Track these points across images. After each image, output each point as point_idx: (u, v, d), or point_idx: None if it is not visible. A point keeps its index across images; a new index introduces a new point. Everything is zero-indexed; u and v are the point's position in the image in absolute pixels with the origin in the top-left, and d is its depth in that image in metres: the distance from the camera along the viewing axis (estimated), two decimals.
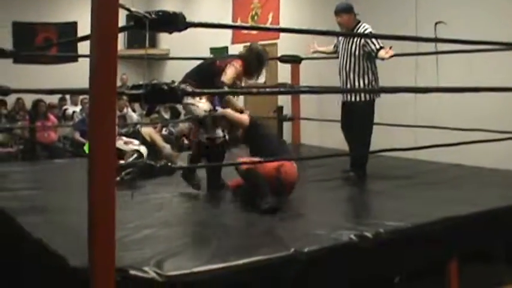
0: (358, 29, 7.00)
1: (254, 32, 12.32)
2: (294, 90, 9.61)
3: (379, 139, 8.30)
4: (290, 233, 4.26)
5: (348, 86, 7.04)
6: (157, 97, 3.52)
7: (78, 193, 5.16)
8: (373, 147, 6.92)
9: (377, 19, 9.56)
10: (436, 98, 8.41)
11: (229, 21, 13.47)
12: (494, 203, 5.30)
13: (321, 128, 10.76)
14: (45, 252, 3.90)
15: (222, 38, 13.64)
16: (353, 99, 7.02)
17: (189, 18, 3.61)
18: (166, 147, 7.88)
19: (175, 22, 3.50)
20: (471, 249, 4.86)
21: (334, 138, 10.15)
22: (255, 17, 12.73)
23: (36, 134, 11.85)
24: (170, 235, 4.30)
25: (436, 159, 7.75)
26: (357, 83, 6.94)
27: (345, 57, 7.01)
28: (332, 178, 6.89)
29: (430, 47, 8.37)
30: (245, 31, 13.09)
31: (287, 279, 3.71)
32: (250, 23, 13.04)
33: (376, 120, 7.04)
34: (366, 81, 6.92)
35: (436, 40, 8.36)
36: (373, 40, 6.71)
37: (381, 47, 6.65)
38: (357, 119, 7.01)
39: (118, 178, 3.41)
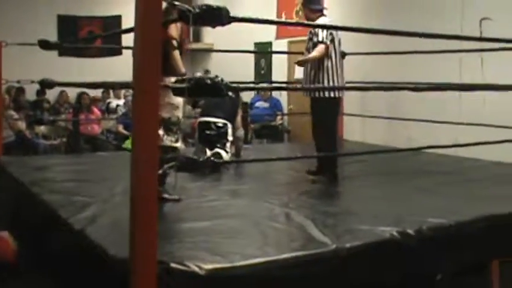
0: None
1: (299, 27, 12.28)
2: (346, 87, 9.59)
3: (421, 136, 8.29)
4: (331, 228, 4.24)
5: (306, 81, 6.71)
6: (201, 91, 3.52)
7: (121, 185, 5.26)
8: (415, 143, 6.87)
9: (422, 15, 9.54)
10: (480, 96, 8.33)
11: (274, 16, 13.42)
12: None
13: (363, 124, 10.74)
14: (86, 243, 3.95)
15: (267, 33, 13.62)
16: (315, 95, 6.64)
17: (232, 12, 3.61)
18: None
19: (219, 16, 3.50)
20: None
21: (376, 135, 10.18)
22: (300, 12, 12.66)
23: (79, 127, 11.94)
24: (211, 228, 4.31)
25: (479, 156, 7.69)
26: (312, 79, 6.59)
27: (305, 51, 6.78)
28: (373, 174, 6.89)
29: (474, 43, 8.29)
30: (290, 26, 13.06)
31: (328, 275, 3.70)
32: (294, 18, 12.97)
33: (418, 117, 6.96)
34: (321, 76, 6.55)
35: (479, 39, 8.28)
36: (317, 32, 6.51)
37: (320, 41, 6.47)
38: (319, 117, 6.71)
39: (160, 171, 3.41)
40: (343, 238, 3.93)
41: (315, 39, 6.52)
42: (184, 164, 3.66)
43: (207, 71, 14.91)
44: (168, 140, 5.44)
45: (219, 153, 7.17)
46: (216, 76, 3.47)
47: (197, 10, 3.42)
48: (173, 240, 3.84)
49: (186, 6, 3.45)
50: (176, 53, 5.45)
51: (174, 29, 5.43)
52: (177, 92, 3.54)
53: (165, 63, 5.19)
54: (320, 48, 6.47)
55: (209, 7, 3.47)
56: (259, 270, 3.42)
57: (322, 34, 6.48)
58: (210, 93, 3.49)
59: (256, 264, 3.42)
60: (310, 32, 6.64)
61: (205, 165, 3.73)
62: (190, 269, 3.24)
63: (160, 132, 5.30)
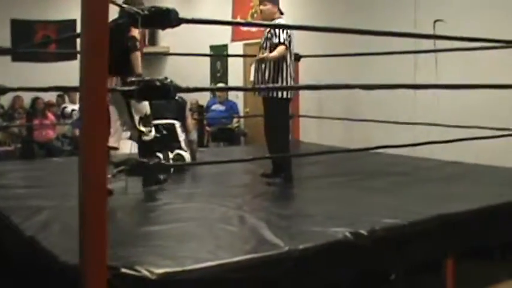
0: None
1: (253, 29, 12.28)
2: (294, 86, 9.59)
3: (378, 136, 8.34)
4: (285, 230, 4.22)
5: (258, 81, 6.64)
6: (150, 93, 3.50)
7: (74, 191, 5.21)
8: (372, 143, 6.90)
9: (375, 17, 9.59)
10: (434, 95, 8.40)
11: (229, 19, 13.45)
12: (491, 200, 5.28)
13: (320, 126, 10.77)
14: (37, 250, 3.90)
15: (222, 36, 13.62)
16: (269, 95, 6.60)
17: (190, 15, 3.59)
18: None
19: (168, 18, 3.49)
20: (467, 246, 4.84)
21: (333, 136, 10.22)
22: (255, 15, 12.69)
23: (33, 132, 11.83)
24: (164, 232, 4.29)
25: (435, 156, 7.75)
26: (266, 78, 6.55)
27: (259, 51, 6.73)
28: (329, 175, 6.90)
29: (428, 44, 8.35)
30: (245, 28, 13.08)
31: (281, 276, 3.69)
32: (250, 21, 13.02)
33: (374, 117, 7.00)
34: (276, 77, 6.54)
35: (434, 37, 8.35)
36: (277, 33, 6.47)
37: (280, 42, 6.45)
38: (272, 117, 6.69)
39: (109, 176, 3.38)
40: (296, 240, 3.91)
41: (275, 40, 6.48)
42: (136, 167, 3.63)
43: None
44: (149, 134, 5.76)
45: (180, 154, 7.18)
46: (165, 78, 3.45)
47: (146, 12, 3.40)
48: (126, 245, 3.80)
49: (135, 8, 3.42)
50: (138, 53, 5.56)
51: (136, 30, 5.54)
52: (127, 94, 3.52)
53: (125, 63, 5.38)
54: (281, 49, 6.44)
55: (158, 9, 3.46)
56: (211, 274, 3.38)
57: (282, 35, 6.46)
58: (159, 95, 3.47)
59: (207, 268, 3.39)
60: (270, 32, 6.59)
61: (157, 169, 3.68)
62: (141, 273, 3.20)
63: (143, 128, 5.88)
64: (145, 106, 5.97)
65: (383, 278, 4.31)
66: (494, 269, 5.03)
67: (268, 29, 6.68)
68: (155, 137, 6.12)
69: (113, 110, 5.76)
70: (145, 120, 5.97)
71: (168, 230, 4.36)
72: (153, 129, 6.11)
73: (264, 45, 6.64)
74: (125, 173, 3.65)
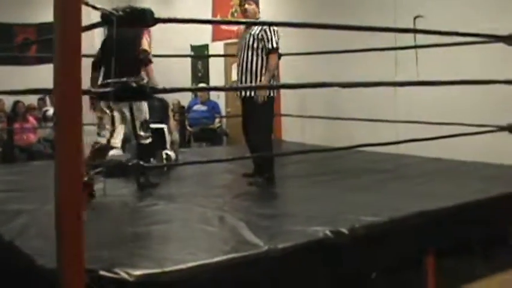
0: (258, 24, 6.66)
1: (234, 28, 12.26)
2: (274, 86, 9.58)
3: (361, 134, 8.34)
4: (265, 230, 4.20)
5: (246, 80, 6.53)
6: (126, 95, 3.48)
7: (53, 194, 5.17)
8: (355, 141, 6.90)
9: (355, 14, 9.60)
10: (415, 92, 8.41)
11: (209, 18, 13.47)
12: (471, 196, 5.30)
13: (302, 125, 10.77)
14: (15, 254, 3.87)
15: (203, 36, 13.60)
16: (249, 94, 6.54)
17: (169, 15, 3.58)
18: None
19: (143, 18, 3.46)
20: (448, 243, 4.84)
21: (316, 135, 10.22)
22: (235, 14, 12.69)
23: (14, 136, 11.75)
24: (144, 234, 4.27)
25: (417, 153, 7.76)
26: (253, 78, 6.47)
27: (243, 50, 6.56)
28: (312, 174, 6.90)
29: (409, 41, 8.36)
30: (225, 27, 13.08)
31: (261, 276, 3.67)
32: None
33: (356, 115, 7.00)
34: (261, 77, 6.47)
35: (414, 31, 8.36)
36: (270, 37, 6.41)
37: (274, 48, 6.42)
38: (255, 117, 6.59)
39: (86, 178, 3.35)
40: (276, 239, 3.89)
41: (268, 45, 6.40)
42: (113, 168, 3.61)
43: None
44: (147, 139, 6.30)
45: (168, 155, 7.25)
46: (142, 79, 3.43)
47: (121, 12, 3.38)
48: (106, 247, 3.77)
49: (109, 9, 3.40)
50: (152, 66, 5.97)
51: (146, 42, 5.98)
52: (102, 96, 3.50)
53: (133, 71, 5.70)
54: (276, 57, 6.46)
55: (133, 9, 3.43)
56: (190, 275, 3.37)
57: (275, 39, 6.42)
58: (136, 96, 3.45)
59: (186, 269, 3.37)
60: (261, 33, 6.44)
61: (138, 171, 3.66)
62: (120, 276, 3.18)
63: (142, 133, 6.25)
64: (145, 112, 6.21)
65: (364, 276, 4.29)
66: (475, 265, 5.02)
67: (257, 29, 6.50)
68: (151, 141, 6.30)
69: (117, 115, 5.97)
70: (144, 125, 6.23)
71: (149, 232, 4.34)
72: (149, 134, 6.36)
73: (254, 45, 6.46)
74: (102, 175, 3.62)
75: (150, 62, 6.19)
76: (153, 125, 7.30)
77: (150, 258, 3.53)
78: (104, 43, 6.26)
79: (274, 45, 6.41)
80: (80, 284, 3.02)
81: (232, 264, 3.55)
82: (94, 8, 3.33)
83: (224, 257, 3.57)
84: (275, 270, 3.75)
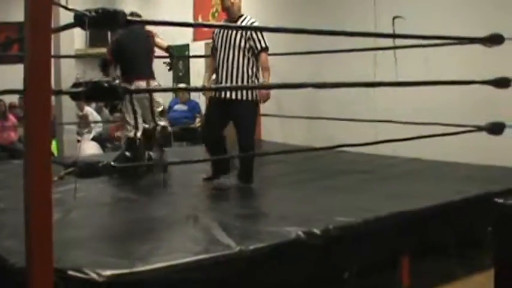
0: (243, 21, 6.42)
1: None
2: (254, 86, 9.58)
3: (340, 134, 8.34)
4: (238, 231, 4.22)
5: (229, 81, 6.25)
6: (98, 95, 3.48)
7: None
8: (334, 141, 6.89)
9: (335, 12, 9.61)
10: (394, 93, 8.42)
11: (190, 19, 13.40)
12: (449, 197, 5.33)
13: (282, 125, 10.77)
14: None
15: (184, 36, 13.57)
16: (235, 96, 6.23)
17: (150, 15, 3.58)
18: None
19: (115, 19, 3.45)
20: (423, 243, 4.85)
21: (295, 135, 10.21)
22: (216, 14, 12.67)
23: None
24: (117, 234, 4.27)
25: (396, 153, 7.78)
26: (240, 79, 6.22)
27: (227, 49, 6.27)
28: (289, 174, 6.90)
29: (388, 41, 8.37)
30: (206, 28, 13.04)
31: (232, 277, 3.68)
32: (211, 21, 12.97)
33: (335, 115, 6.98)
34: (251, 76, 6.31)
35: (393, 36, 8.37)
36: (260, 37, 6.23)
37: (264, 48, 6.25)
38: (243, 120, 6.35)
39: (56, 178, 3.33)
40: (249, 240, 3.91)
41: (257, 45, 6.22)
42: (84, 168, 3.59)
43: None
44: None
45: (164, 127, 7.43)
46: (114, 79, 3.43)
47: (93, 14, 3.37)
48: (77, 247, 3.78)
49: (81, 10, 3.39)
50: None
51: (160, 40, 6.56)
52: (74, 96, 3.50)
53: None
54: (266, 57, 6.30)
55: (105, 10, 3.42)
56: (161, 275, 3.37)
57: (265, 38, 6.25)
58: (107, 96, 3.45)
59: (157, 269, 3.37)
60: (249, 32, 6.23)
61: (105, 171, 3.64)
62: (89, 276, 3.18)
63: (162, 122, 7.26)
64: (161, 103, 7.27)
65: (336, 277, 4.30)
66: (451, 266, 5.04)
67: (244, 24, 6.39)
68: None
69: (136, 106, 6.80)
70: (162, 115, 7.13)
71: (121, 232, 4.35)
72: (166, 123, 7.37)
73: (242, 44, 6.23)
74: (73, 175, 3.60)
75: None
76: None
77: (120, 258, 3.52)
78: (117, 42, 6.55)
79: (263, 45, 6.24)
80: (47, 283, 3.01)
81: (203, 265, 3.56)
82: (66, 8, 3.32)
83: (195, 258, 3.58)
84: (247, 270, 3.75)
